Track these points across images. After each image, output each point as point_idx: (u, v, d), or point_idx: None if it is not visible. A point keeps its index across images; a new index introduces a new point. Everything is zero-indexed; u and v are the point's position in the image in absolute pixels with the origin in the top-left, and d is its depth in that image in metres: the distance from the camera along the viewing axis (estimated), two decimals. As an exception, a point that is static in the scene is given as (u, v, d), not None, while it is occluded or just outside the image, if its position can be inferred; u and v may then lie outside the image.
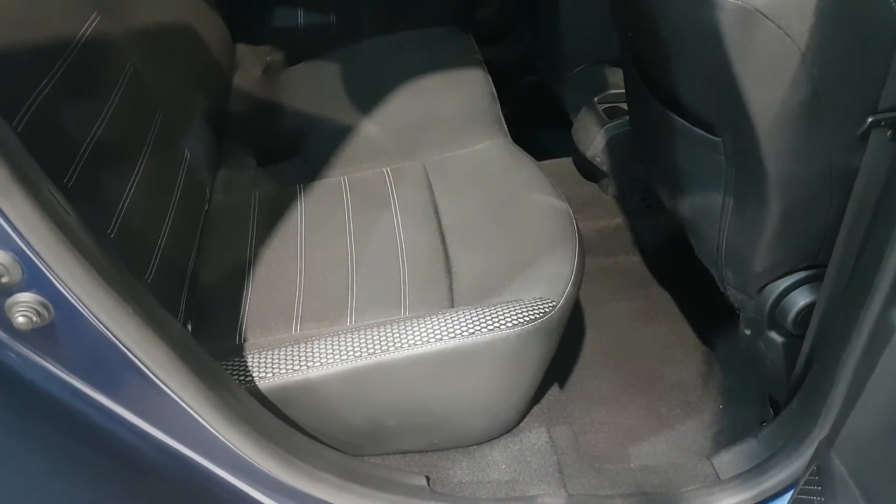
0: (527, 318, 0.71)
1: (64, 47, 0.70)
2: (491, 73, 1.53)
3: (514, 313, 0.71)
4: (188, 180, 0.89)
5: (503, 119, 1.09)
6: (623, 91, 1.31)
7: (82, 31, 0.74)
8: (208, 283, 0.83)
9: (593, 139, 1.27)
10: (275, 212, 0.93)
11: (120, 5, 0.86)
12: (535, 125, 1.71)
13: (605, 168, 1.29)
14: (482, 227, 0.88)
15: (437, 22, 1.40)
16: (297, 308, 0.79)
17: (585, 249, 0.86)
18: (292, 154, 1.06)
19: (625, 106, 1.33)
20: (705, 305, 1.13)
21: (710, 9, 0.59)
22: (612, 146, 1.25)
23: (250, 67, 1.28)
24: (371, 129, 1.07)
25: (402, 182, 0.97)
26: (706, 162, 0.82)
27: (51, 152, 0.63)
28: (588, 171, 1.38)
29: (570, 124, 1.48)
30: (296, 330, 0.75)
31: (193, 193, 0.91)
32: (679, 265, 1.19)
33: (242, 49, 1.32)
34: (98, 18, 0.77)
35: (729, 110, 0.71)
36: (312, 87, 1.18)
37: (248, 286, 0.82)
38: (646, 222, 1.31)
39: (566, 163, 1.47)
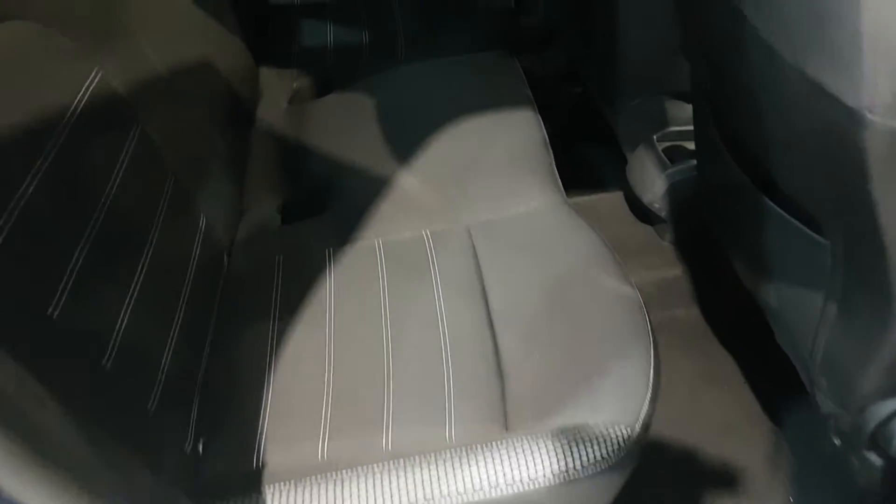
0: (599, 456, 0.61)
1: (55, 125, 0.59)
2: (532, 83, 1.41)
3: (584, 451, 0.61)
4: (203, 253, 0.79)
5: (556, 172, 0.97)
6: (688, 129, 1.18)
7: (78, 98, 0.63)
8: (222, 385, 0.73)
9: (652, 184, 1.14)
10: (300, 287, 0.83)
11: (124, 46, 0.75)
12: (580, 142, 1.58)
13: (663, 215, 1.17)
14: (538, 316, 0.77)
15: (478, 36, 1.27)
16: (325, 419, 0.69)
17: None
18: (321, 207, 0.95)
19: (688, 144, 1.19)
20: (775, 374, 1.01)
21: (854, 125, 0.47)
22: (674, 193, 1.13)
23: (275, 96, 1.16)
24: (409, 180, 0.95)
25: (445, 250, 0.86)
26: (804, 258, 0.70)
27: (32, 273, 0.52)
28: (643, 210, 1.25)
29: (617, 142, 1.36)
30: (322, 453, 0.66)
31: (208, 269, 0.81)
32: (745, 324, 1.07)
33: (267, 74, 1.20)
34: (99, 75, 0.67)
35: (849, 218, 0.58)
36: (343, 125, 1.06)
37: (268, 386, 0.72)
38: (709, 274, 1.19)
39: (616, 198, 1.35)
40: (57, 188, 0.57)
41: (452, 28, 1.28)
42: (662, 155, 1.15)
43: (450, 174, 0.96)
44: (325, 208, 0.95)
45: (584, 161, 1.52)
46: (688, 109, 1.22)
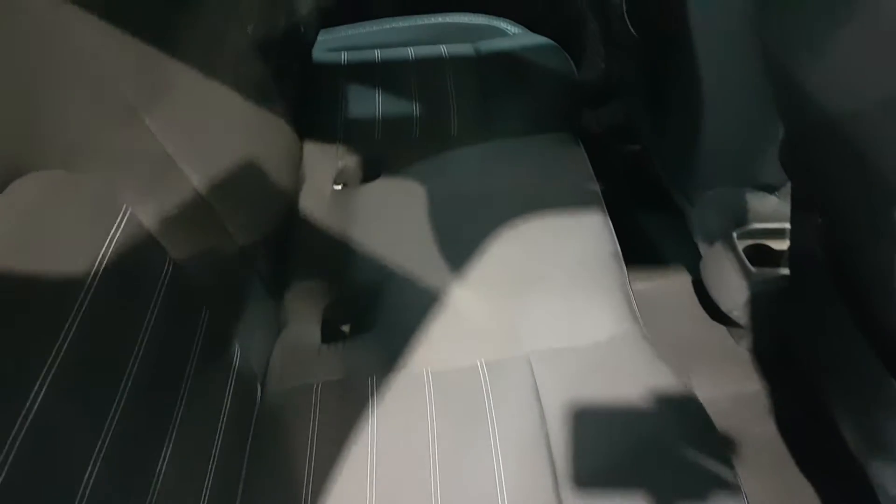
0: None
1: (83, 279, 0.52)
2: (586, 140, 1.29)
3: None
4: (237, 390, 0.70)
5: (631, 293, 0.86)
6: (773, 227, 1.06)
7: (106, 245, 0.55)
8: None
9: (733, 291, 1.02)
10: (339, 425, 0.74)
11: (155, 175, 0.66)
12: (638, 209, 1.46)
13: (743, 323, 1.04)
14: (614, 484, 0.66)
15: (538, 113, 1.17)
16: None
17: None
18: (364, 324, 0.85)
19: (773, 243, 1.07)
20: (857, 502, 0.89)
21: None
22: (758, 303, 1.00)
23: (320, 178, 1.07)
24: (463, 295, 0.85)
25: (502, 386, 0.76)
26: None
27: (53, 470, 0.46)
28: (715, 306, 1.13)
29: (678, 208, 1.24)
30: None
31: (242, 407, 0.72)
32: (824, 447, 0.94)
33: (311, 151, 1.11)
34: (128, 213, 0.59)
35: None
36: (392, 220, 0.97)
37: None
38: (791, 389, 1.06)
39: (682, 285, 1.22)
40: (84, 354, 0.50)
41: (510, 103, 1.17)
42: (744, 258, 1.02)
43: (508, 289, 0.85)
44: (369, 322, 0.85)
45: (643, 233, 1.40)
46: (772, 202, 1.10)
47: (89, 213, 0.55)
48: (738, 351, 1.11)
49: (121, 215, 0.57)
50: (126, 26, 0.64)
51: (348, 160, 1.11)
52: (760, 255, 1.06)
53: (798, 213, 0.81)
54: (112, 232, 0.56)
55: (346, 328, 0.89)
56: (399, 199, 1.00)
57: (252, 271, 0.80)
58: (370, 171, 1.10)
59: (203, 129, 0.74)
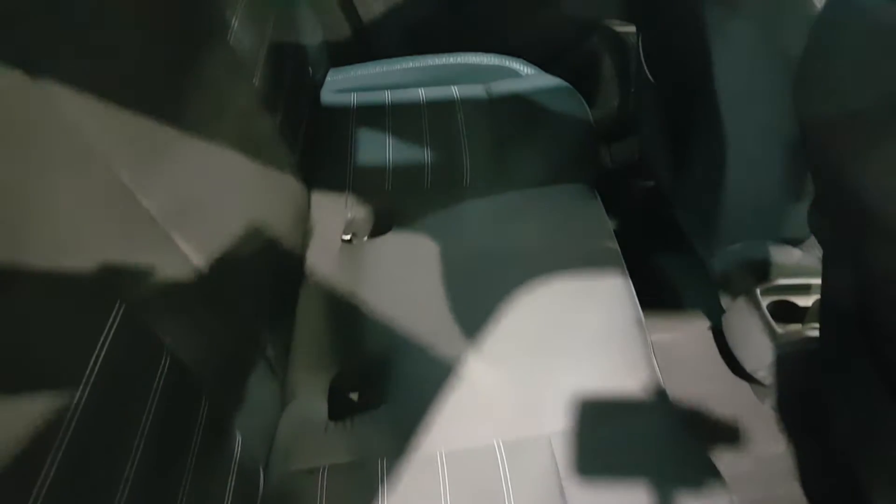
0: None
1: (78, 382, 0.49)
2: (600, 177, 1.25)
3: None
4: (238, 480, 0.67)
5: (656, 365, 0.82)
6: (799, 283, 1.02)
7: (100, 345, 0.52)
8: None
9: (758, 352, 0.98)
10: (347, 503, 0.70)
11: (151, 262, 0.63)
12: (652, 247, 1.42)
13: (768, 383, 1.00)
14: None
15: (552, 162, 1.13)
16: None
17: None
18: (374, 397, 0.82)
19: (798, 299, 1.03)
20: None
21: None
22: (784, 365, 0.96)
23: (328, 231, 1.04)
24: (478, 368, 0.81)
25: (521, 469, 0.72)
26: None
27: None
28: (736, 361, 1.09)
29: (694, 250, 1.20)
30: None
31: (243, 497, 0.68)
32: None
33: (319, 201, 1.08)
34: (122, 309, 0.55)
35: None
36: (404, 280, 0.93)
37: None
38: (817, 454, 1.01)
39: (702, 336, 1.18)
40: (80, 456, 0.48)
41: (524, 150, 1.14)
42: (770, 317, 0.98)
43: (526, 362, 0.81)
44: (379, 395, 0.81)
45: (660, 276, 1.36)
46: (796, 256, 1.06)
47: (81, 316, 0.52)
48: (762, 409, 1.06)
49: (114, 312, 0.54)
50: (118, 98, 0.61)
51: (358, 211, 1.08)
52: (785, 312, 1.02)
53: (830, 274, 0.77)
54: (106, 332, 0.53)
55: (354, 396, 0.86)
56: (410, 257, 0.96)
57: (255, 349, 0.77)
58: (380, 223, 1.07)
59: (203, 201, 0.71)
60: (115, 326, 0.54)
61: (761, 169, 0.97)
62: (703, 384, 1.12)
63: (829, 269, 0.79)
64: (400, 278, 0.94)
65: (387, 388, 0.81)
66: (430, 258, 0.95)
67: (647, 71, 1.18)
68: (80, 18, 0.59)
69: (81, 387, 0.49)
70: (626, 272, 0.91)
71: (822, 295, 0.82)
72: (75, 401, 0.49)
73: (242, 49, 0.92)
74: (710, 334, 1.18)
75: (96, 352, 0.52)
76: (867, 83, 0.57)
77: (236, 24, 0.93)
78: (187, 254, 0.66)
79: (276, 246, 0.87)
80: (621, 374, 0.80)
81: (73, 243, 0.52)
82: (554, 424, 0.75)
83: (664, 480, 0.70)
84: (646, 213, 1.54)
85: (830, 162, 0.69)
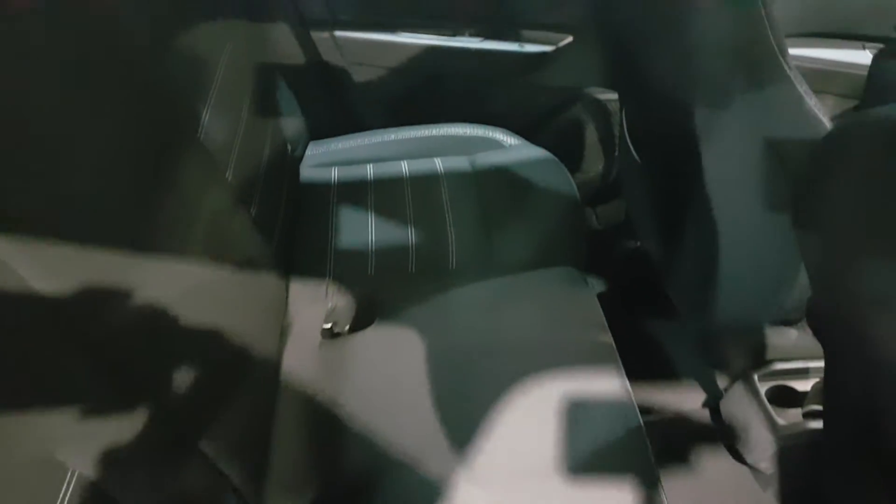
0: None
1: None
2: (587, 242, 1.22)
3: None
4: None
5: (659, 478, 0.77)
6: (797, 367, 0.99)
7: None
8: None
9: (758, 444, 0.94)
10: None
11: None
12: (637, 305, 1.40)
13: (769, 474, 0.96)
14: None
15: (540, 242, 1.10)
16: None
17: None
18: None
19: (796, 384, 1.00)
20: None
21: None
22: (787, 458, 0.93)
23: (307, 323, 0.99)
24: (471, 493, 0.76)
25: None
26: None
27: None
28: (732, 439, 1.05)
29: (671, 306, 1.17)
30: None
31: None
32: None
33: (297, 290, 1.04)
34: (76, 475, 0.50)
35: None
36: (387, 384, 0.88)
37: None
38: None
39: (697, 414, 1.14)
40: None
41: (511, 231, 1.11)
42: (770, 408, 0.95)
43: (521, 483, 0.76)
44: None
45: (650, 347, 1.33)
46: (791, 336, 1.03)
47: (31, 487, 0.47)
48: (764, 497, 1.02)
49: (66, 481, 0.49)
50: (70, 215, 0.56)
51: (339, 300, 1.03)
52: (784, 396, 0.99)
53: (833, 372, 0.74)
54: (59, 501, 0.48)
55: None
56: (394, 355, 0.92)
57: (222, 483, 0.71)
58: (363, 313, 1.02)
59: (167, 317, 0.66)
60: (68, 495, 0.49)
61: (754, 252, 0.94)
62: (701, 468, 1.08)
63: (831, 366, 0.76)
64: (384, 381, 0.89)
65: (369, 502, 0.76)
66: (415, 356, 0.91)
67: (630, 144, 1.16)
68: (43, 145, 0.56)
69: None
70: (622, 370, 0.87)
71: (825, 390, 0.79)
72: None
73: (214, 144, 0.89)
74: (707, 413, 1.14)
75: None
76: (871, 197, 0.55)
77: (207, 118, 0.90)
78: (143, 399, 0.60)
79: (249, 360, 0.82)
80: (624, 492, 0.75)
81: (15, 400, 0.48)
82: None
83: None
84: (633, 275, 1.52)
85: (830, 265, 0.66)
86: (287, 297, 1.03)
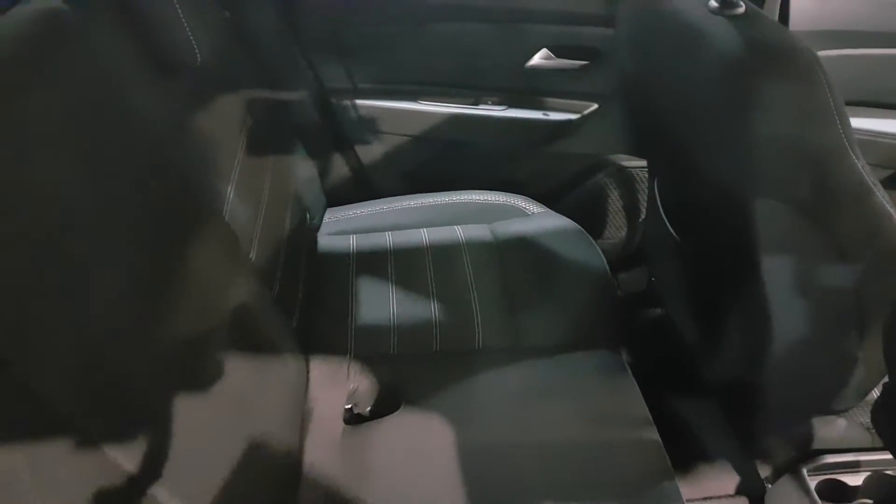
0: None
1: None
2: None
3: None
4: None
5: None
6: (847, 460, 0.93)
7: None
8: None
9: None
10: None
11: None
12: (668, 381, 1.33)
13: (823, 579, 0.90)
14: None
15: (570, 322, 1.05)
16: None
17: None
18: None
19: (847, 478, 0.94)
20: None
21: None
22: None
23: (328, 408, 0.94)
24: None
25: None
26: None
27: None
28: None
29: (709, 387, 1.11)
30: None
31: None
32: None
33: (318, 374, 0.99)
34: None
35: None
36: (411, 480, 0.82)
37: None
38: None
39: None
40: None
41: (538, 307, 1.06)
42: (816, 497, 0.89)
43: None
44: None
45: (684, 430, 1.26)
46: (839, 427, 0.97)
47: None
48: None
49: None
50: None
51: (361, 381, 0.98)
52: (833, 491, 0.93)
53: None
54: None
55: None
56: (421, 448, 0.86)
57: None
58: (385, 397, 0.97)
59: (185, 429, 0.61)
60: None
61: (809, 347, 0.89)
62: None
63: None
64: (407, 476, 0.83)
65: None
66: (440, 449, 0.85)
67: (664, 217, 1.12)
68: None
69: None
70: (671, 469, 0.81)
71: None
72: None
73: (239, 222, 0.85)
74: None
75: None
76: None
77: (231, 195, 0.87)
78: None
79: (270, 453, 0.76)
80: None
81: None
82: None
83: None
84: (661, 347, 1.46)
85: None
86: (308, 379, 0.97)
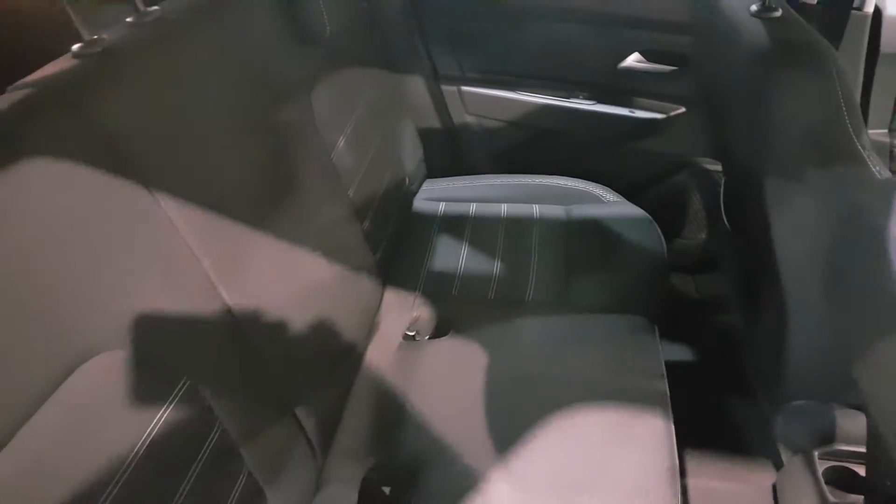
0: None
1: (137, 441, 0.60)
2: (681, 305, 1.23)
3: None
4: None
5: None
6: (860, 450, 0.96)
7: (162, 411, 0.63)
8: None
9: (808, 520, 0.92)
10: None
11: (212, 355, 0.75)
12: (725, 393, 1.37)
13: (818, 556, 0.93)
14: None
15: (615, 292, 1.16)
16: None
17: None
18: (401, 491, 0.87)
19: (859, 469, 0.97)
20: None
21: None
22: (835, 540, 0.90)
23: (393, 326, 1.13)
24: (503, 491, 0.84)
25: None
26: None
27: None
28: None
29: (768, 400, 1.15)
30: None
31: None
32: None
33: (390, 298, 1.19)
34: (187, 384, 0.66)
35: None
36: (452, 384, 0.99)
37: None
38: None
39: (763, 491, 1.12)
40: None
41: (591, 277, 1.18)
42: (822, 482, 0.93)
43: (552, 493, 0.83)
44: (406, 499, 0.86)
45: (729, 430, 1.31)
46: (861, 422, 1.00)
47: (150, 387, 0.62)
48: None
49: (180, 386, 0.64)
50: (217, 207, 0.75)
51: (423, 312, 1.16)
52: (844, 479, 0.96)
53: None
54: (168, 401, 0.63)
55: (386, 490, 0.91)
56: (461, 364, 1.02)
57: (300, 437, 0.85)
58: (441, 326, 1.14)
59: (278, 297, 0.83)
60: (178, 397, 0.64)
61: (824, 330, 0.94)
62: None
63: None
64: (447, 385, 1.00)
65: (413, 494, 0.86)
66: (479, 368, 1.01)
67: (724, 216, 1.20)
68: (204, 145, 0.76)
69: (141, 442, 0.60)
70: (671, 415, 0.90)
71: (867, 470, 0.78)
72: (127, 460, 0.58)
73: (343, 165, 1.08)
74: (769, 489, 1.11)
75: (157, 416, 0.62)
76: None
77: (342, 144, 1.09)
78: (253, 344, 0.77)
79: (337, 347, 0.97)
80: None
81: (154, 325, 0.65)
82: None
83: None
84: (719, 349, 1.50)
85: None
86: (380, 303, 1.17)
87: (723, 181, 1.30)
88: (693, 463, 1.18)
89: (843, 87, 0.74)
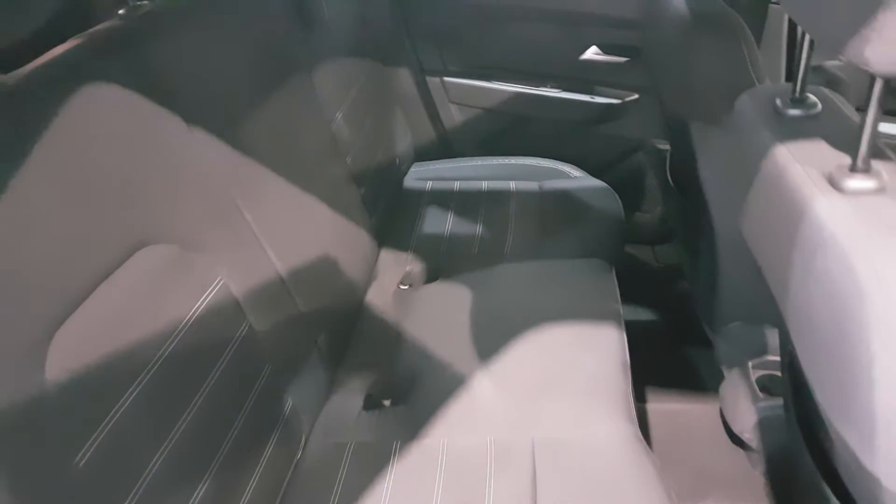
0: None
1: (172, 331, 0.72)
2: (642, 273, 1.41)
3: None
4: (280, 440, 0.88)
5: (632, 401, 0.98)
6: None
7: (197, 305, 0.77)
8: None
9: (742, 414, 1.10)
10: (363, 475, 0.90)
11: (248, 255, 0.91)
12: (683, 344, 1.56)
13: (754, 446, 1.11)
14: None
15: (582, 243, 1.35)
16: None
17: None
18: (401, 400, 1.03)
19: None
20: None
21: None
22: (764, 427, 1.08)
23: (388, 278, 1.31)
24: (486, 384, 1.01)
25: (504, 465, 0.89)
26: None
27: (122, 462, 0.63)
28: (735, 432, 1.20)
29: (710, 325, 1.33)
30: None
31: (282, 455, 0.89)
32: None
33: (385, 256, 1.36)
34: (221, 283, 0.82)
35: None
36: (441, 316, 1.17)
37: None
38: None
39: (712, 413, 1.30)
40: (163, 382, 0.69)
41: (561, 232, 1.38)
42: (755, 384, 1.11)
43: (525, 385, 1.00)
44: (404, 402, 1.03)
45: (683, 363, 1.50)
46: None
47: (191, 279, 0.78)
48: (754, 475, 1.16)
49: (215, 283, 0.81)
50: (240, 148, 0.92)
51: (415, 266, 1.34)
52: (773, 386, 1.14)
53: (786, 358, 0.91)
54: (205, 295, 0.79)
55: (387, 402, 1.07)
56: (450, 302, 1.20)
57: (313, 344, 1.02)
58: (431, 275, 1.32)
59: (293, 231, 1.00)
60: (213, 293, 0.80)
61: (751, 260, 1.13)
62: (700, 451, 1.24)
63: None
64: (439, 318, 1.17)
65: (413, 391, 1.03)
66: (465, 303, 1.18)
67: (669, 177, 1.40)
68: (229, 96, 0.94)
69: (178, 329, 0.73)
70: (622, 327, 1.09)
71: (781, 365, 0.96)
72: (171, 338, 0.71)
73: (341, 136, 1.26)
74: (716, 412, 1.30)
75: (194, 308, 0.76)
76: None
77: (340, 118, 1.27)
78: (273, 261, 0.94)
79: (343, 279, 1.14)
80: (601, 404, 0.96)
81: (195, 233, 0.80)
82: (537, 432, 0.93)
83: (620, 494, 0.84)
84: (675, 311, 1.69)
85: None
86: (377, 259, 1.35)
87: (669, 152, 1.50)
88: (648, 389, 1.37)
89: (748, 46, 0.95)
